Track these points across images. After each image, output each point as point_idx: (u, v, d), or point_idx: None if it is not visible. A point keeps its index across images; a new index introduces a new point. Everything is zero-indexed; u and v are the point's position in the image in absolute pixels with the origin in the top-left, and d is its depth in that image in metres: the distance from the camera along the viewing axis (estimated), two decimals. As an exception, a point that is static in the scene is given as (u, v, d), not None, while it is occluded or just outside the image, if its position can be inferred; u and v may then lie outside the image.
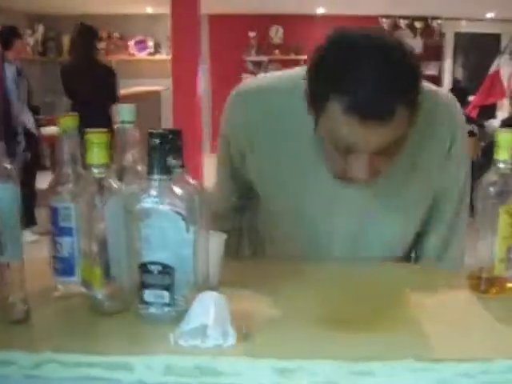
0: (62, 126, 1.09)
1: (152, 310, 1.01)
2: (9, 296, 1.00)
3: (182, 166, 1.05)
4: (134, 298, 1.02)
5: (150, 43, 9.61)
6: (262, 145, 1.35)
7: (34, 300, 1.05)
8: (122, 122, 1.11)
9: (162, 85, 8.37)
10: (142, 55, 9.61)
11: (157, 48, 9.61)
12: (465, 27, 9.53)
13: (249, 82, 1.43)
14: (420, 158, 1.31)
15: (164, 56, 9.42)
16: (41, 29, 9.22)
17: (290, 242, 1.41)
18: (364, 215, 1.34)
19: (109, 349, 0.93)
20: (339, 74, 1.08)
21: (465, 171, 1.39)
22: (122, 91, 6.37)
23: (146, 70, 9.42)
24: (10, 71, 5.23)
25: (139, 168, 1.12)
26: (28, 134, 5.33)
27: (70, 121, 1.10)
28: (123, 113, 1.11)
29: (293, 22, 9.29)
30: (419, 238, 1.44)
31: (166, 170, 0.98)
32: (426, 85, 1.26)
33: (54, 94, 6.68)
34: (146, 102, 7.39)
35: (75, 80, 5.74)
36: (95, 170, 1.02)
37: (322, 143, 1.19)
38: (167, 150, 0.98)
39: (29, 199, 5.14)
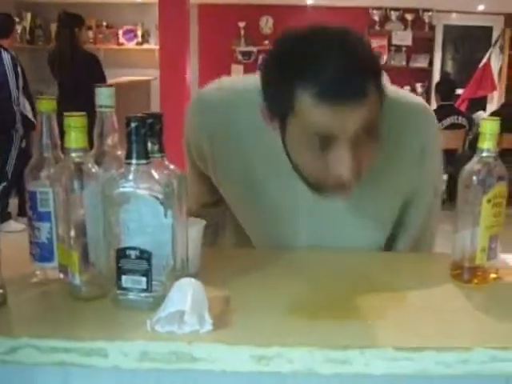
0: (39, 108, 1.08)
1: (129, 295, 1.00)
2: (-16, 281, 0.99)
3: (161, 151, 1.04)
4: (112, 284, 1.01)
5: (139, 32, 9.55)
6: (223, 155, 1.33)
7: (11, 285, 1.04)
8: (101, 107, 1.09)
9: (150, 74, 8.33)
10: (131, 45, 9.55)
11: (145, 37, 9.55)
12: (455, 20, 9.53)
13: (211, 88, 1.36)
14: (390, 166, 1.27)
15: (153, 46, 9.37)
16: (28, 17, 9.14)
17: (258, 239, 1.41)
18: (334, 222, 1.31)
19: (85, 335, 0.92)
20: (301, 65, 1.06)
21: (437, 174, 1.39)
22: (112, 80, 6.34)
23: (134, 59, 9.35)
24: (6, 59, 5.26)
25: (119, 153, 1.10)
26: (26, 121, 5.34)
27: (47, 103, 1.08)
28: (102, 97, 1.09)
29: (283, 13, 9.23)
30: (388, 241, 1.40)
31: (145, 155, 0.97)
32: (394, 91, 1.25)
33: (42, 82, 6.63)
34: (136, 92, 7.36)
35: (60, 68, 5.73)
36: (73, 154, 1.00)
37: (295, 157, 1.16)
38: (145, 135, 0.96)
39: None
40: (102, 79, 5.80)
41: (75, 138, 0.99)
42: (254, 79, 1.21)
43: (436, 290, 1.12)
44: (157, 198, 0.96)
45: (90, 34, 8.89)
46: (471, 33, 9.62)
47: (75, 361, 0.91)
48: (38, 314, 1.01)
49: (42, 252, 1.09)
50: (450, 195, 6.63)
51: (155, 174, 0.97)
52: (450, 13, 9.40)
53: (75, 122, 0.99)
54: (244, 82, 1.35)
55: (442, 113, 6.34)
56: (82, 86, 5.51)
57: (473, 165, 1.11)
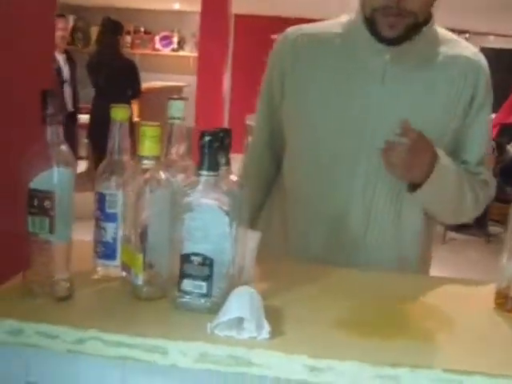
0: (114, 117, 1.14)
1: (189, 299, 1.05)
2: (55, 274, 1.05)
3: (228, 164, 1.09)
4: (172, 286, 1.06)
5: (175, 39, 9.68)
6: (302, 70, 1.50)
7: (74, 280, 1.09)
8: (172, 118, 1.15)
9: (183, 81, 8.44)
10: (166, 51, 9.67)
11: (181, 44, 9.67)
12: (492, 42, 9.53)
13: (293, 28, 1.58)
14: (439, 80, 1.46)
15: (187, 53, 9.49)
16: (71, 19, 9.31)
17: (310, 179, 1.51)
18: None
19: (147, 332, 0.98)
20: None
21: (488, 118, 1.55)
22: (145, 85, 6.47)
23: (169, 65, 9.48)
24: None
25: (186, 162, 1.16)
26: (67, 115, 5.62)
27: (121, 112, 1.14)
28: (173, 109, 1.15)
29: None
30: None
31: (215, 167, 1.02)
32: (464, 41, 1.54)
33: (79, 83, 6.77)
34: (168, 97, 7.43)
35: (98, 72, 5.95)
36: (145, 162, 1.06)
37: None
38: (217, 148, 1.02)
39: None
40: (137, 85, 6.00)
41: (149, 146, 1.05)
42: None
43: (480, 317, 1.16)
44: (223, 209, 1.02)
45: (128, 38, 9.03)
46: (508, 56, 9.59)
47: (137, 356, 0.96)
48: (103, 309, 1.07)
49: (106, 250, 1.15)
50: (479, 222, 6.58)
51: (223, 186, 1.03)
52: (487, 35, 9.40)
53: (151, 131, 1.05)
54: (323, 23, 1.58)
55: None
56: (116, 90, 5.73)
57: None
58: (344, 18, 1.53)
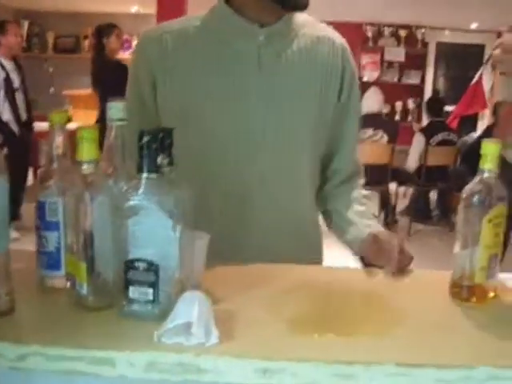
0: (51, 120, 1.10)
1: (136, 306, 1.01)
2: (-7, 288, 1.00)
3: (171, 164, 1.05)
4: (119, 294, 1.03)
5: (134, 43, 9.60)
6: (175, 69, 1.42)
7: (18, 293, 1.05)
8: (112, 120, 1.11)
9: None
10: (126, 55, 9.58)
11: (141, 48, 9.59)
12: (448, 37, 9.63)
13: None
14: (312, 62, 1.46)
15: (148, 56, 9.40)
16: (26, 25, 9.17)
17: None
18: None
19: (93, 344, 0.94)
20: None
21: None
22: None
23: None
24: None
25: (128, 166, 1.12)
26: (4, 128, 5.41)
27: (59, 116, 1.10)
28: (113, 110, 1.10)
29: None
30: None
31: (156, 169, 0.99)
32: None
33: (35, 90, 6.66)
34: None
35: (93, 78, 5.95)
36: (84, 166, 1.02)
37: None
38: (157, 149, 0.98)
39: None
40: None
41: (87, 149, 1.01)
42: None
43: (436, 307, 1.14)
44: (166, 212, 0.98)
45: (86, 42, 8.92)
46: (463, 50, 9.72)
47: (83, 369, 0.92)
48: (46, 322, 1.03)
49: (49, 261, 1.11)
50: (442, 212, 6.72)
51: (165, 188, 0.99)
52: (443, 30, 9.50)
53: (88, 133, 1.01)
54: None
55: (433, 129, 6.42)
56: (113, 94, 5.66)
57: (474, 185, 1.13)
58: (201, 13, 1.49)
